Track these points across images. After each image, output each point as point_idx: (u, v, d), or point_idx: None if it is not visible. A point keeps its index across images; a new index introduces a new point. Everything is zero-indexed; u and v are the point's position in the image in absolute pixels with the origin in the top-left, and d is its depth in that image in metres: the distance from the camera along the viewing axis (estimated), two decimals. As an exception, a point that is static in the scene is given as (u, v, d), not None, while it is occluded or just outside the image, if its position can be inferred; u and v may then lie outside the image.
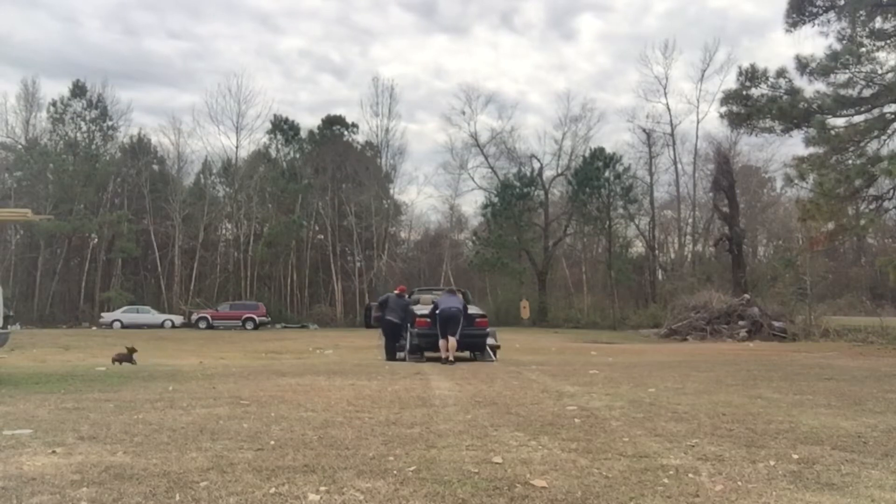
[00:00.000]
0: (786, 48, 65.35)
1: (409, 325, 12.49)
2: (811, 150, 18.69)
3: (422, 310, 12.49)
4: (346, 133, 50.25)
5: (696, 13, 71.74)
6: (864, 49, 17.70)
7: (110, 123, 47.62)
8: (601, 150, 43.65)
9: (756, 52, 64.11)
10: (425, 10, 78.14)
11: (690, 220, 46.04)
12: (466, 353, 12.73)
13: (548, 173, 46.84)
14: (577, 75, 71.39)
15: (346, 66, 76.51)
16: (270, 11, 75.42)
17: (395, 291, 13.08)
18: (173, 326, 36.93)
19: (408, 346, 12.48)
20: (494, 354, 12.84)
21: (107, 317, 37.53)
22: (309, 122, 50.15)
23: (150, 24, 73.03)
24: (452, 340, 11.46)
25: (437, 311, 11.64)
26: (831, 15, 18.81)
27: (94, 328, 36.08)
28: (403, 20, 79.05)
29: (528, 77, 75.19)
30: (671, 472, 3.49)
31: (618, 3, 73.65)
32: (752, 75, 19.51)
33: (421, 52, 76.33)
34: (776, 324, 24.40)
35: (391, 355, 12.51)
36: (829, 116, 18.05)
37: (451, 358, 11.37)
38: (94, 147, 46.61)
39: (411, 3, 77.12)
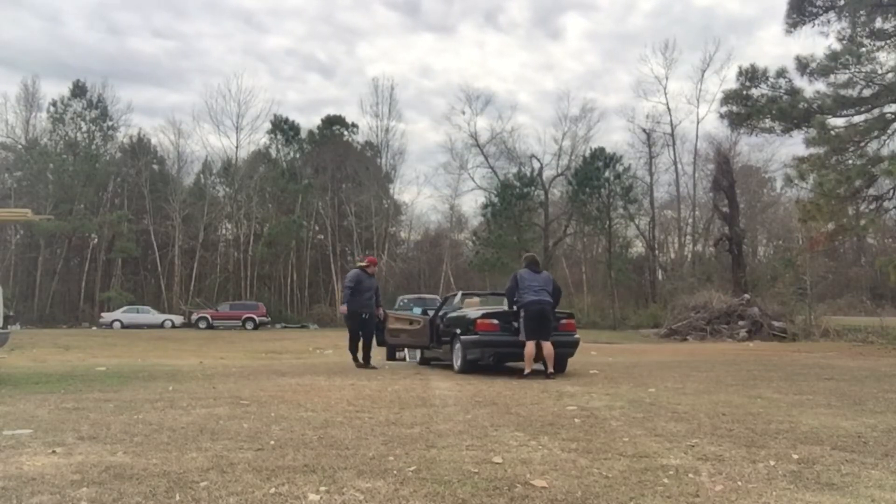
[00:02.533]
0: (773, 47, 65.24)
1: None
2: (811, 150, 18.71)
3: (474, 313, 9.19)
4: (345, 133, 50.35)
5: (681, 11, 71.61)
6: (864, 49, 17.72)
7: (110, 123, 47.73)
8: (601, 150, 43.69)
9: (745, 51, 64.19)
10: (409, 9, 77.96)
11: (690, 220, 46.07)
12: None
13: (548, 173, 46.92)
14: (566, 74, 71.33)
15: (333, 64, 76.44)
16: (253, 10, 75.18)
17: (364, 264, 10.29)
18: (173, 326, 36.97)
19: (458, 362, 9.12)
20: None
21: (107, 317, 37.56)
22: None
23: (133, 23, 72.77)
24: (548, 346, 8.41)
25: (522, 306, 8.49)
26: (831, 15, 18.87)
27: (94, 328, 36.13)
28: (388, 19, 78.83)
29: (516, 76, 75.09)
30: (671, 472, 3.49)
31: (602, 2, 73.56)
32: (752, 75, 19.52)
33: (407, 52, 76.17)
34: (776, 324, 24.38)
35: (371, 353, 10.54)
36: (829, 116, 18.07)
37: (550, 370, 8.42)
38: (94, 147, 46.64)
39: (395, 2, 76.93)
